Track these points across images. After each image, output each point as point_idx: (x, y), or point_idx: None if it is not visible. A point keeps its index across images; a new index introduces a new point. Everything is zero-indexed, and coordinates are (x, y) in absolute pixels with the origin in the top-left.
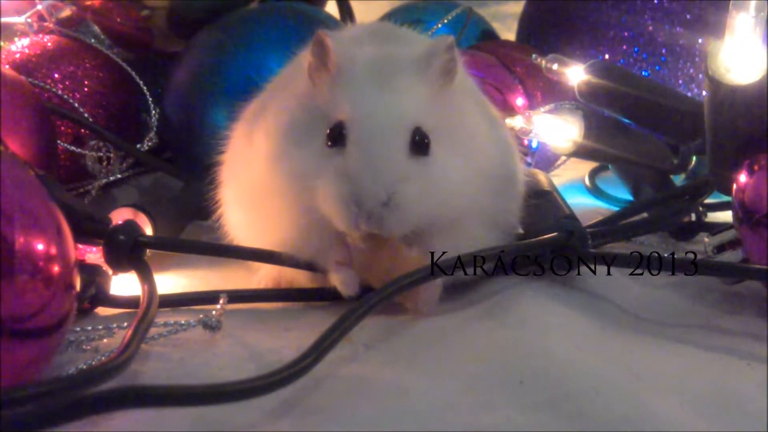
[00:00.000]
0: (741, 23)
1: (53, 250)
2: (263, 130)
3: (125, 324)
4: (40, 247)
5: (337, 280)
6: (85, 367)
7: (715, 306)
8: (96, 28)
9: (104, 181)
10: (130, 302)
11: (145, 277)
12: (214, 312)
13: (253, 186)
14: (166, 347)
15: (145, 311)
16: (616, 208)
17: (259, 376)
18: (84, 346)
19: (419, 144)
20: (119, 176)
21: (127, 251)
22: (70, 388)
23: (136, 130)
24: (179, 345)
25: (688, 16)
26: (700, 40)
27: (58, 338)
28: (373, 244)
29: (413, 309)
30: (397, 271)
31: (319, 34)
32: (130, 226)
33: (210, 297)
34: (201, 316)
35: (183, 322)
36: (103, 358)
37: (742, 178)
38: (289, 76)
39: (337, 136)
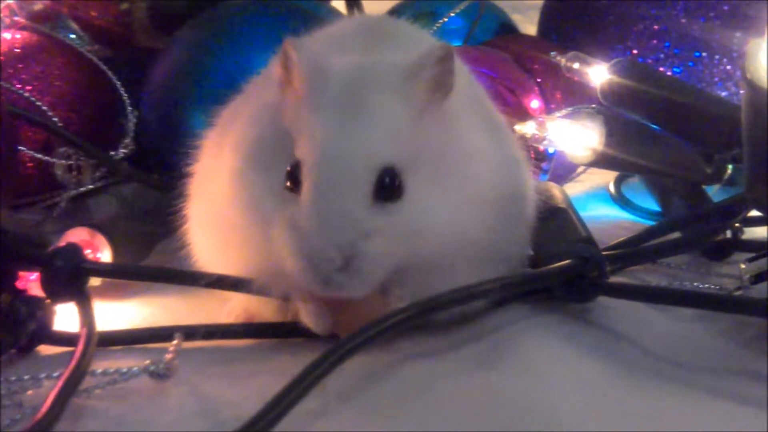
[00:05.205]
0: None
1: None
2: (231, 142)
3: (56, 373)
4: None
5: (307, 319)
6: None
7: (752, 345)
8: (74, 24)
9: (74, 192)
10: (75, 339)
11: (85, 312)
12: (167, 355)
13: (219, 205)
14: (104, 401)
15: (78, 363)
16: (644, 221)
17: None
18: (5, 401)
19: (389, 187)
20: (91, 187)
21: (66, 279)
22: None
23: (114, 136)
24: (122, 396)
25: (725, 7)
26: (738, 34)
27: None
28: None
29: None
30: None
31: (286, 44)
32: (71, 251)
33: (165, 334)
34: (147, 362)
35: (125, 369)
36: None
37: None
38: (264, 80)
39: (294, 179)
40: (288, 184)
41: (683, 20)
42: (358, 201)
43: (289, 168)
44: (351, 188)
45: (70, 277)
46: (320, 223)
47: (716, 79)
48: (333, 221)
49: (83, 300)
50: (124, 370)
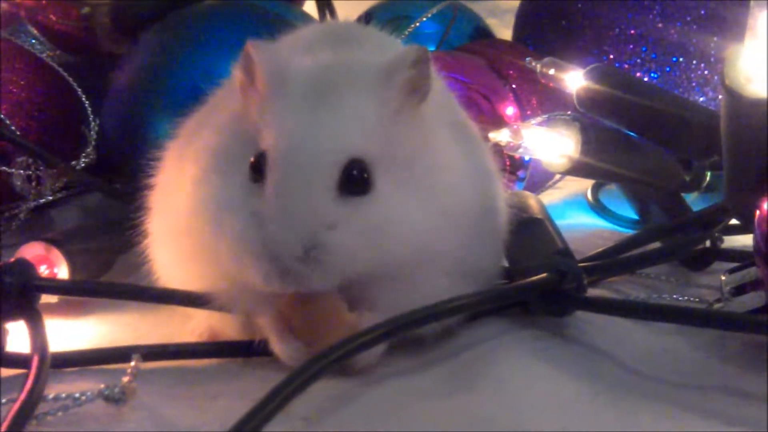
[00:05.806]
0: (764, 25)
1: None
2: (193, 153)
3: (4, 400)
4: None
5: (279, 351)
6: None
7: (734, 360)
8: (33, 29)
9: (33, 204)
10: (28, 361)
11: (36, 333)
12: (124, 377)
13: (181, 217)
14: (56, 428)
15: (30, 391)
16: (622, 229)
17: None
18: None
19: (356, 180)
20: (51, 198)
21: (15, 297)
22: None
23: (77, 145)
24: (76, 422)
25: (702, 12)
26: (715, 39)
27: None
28: (299, 300)
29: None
30: (335, 329)
31: (247, 45)
32: (21, 267)
33: (123, 354)
34: (102, 386)
35: (78, 394)
36: None
37: (766, 205)
38: (228, 91)
39: (258, 170)
40: (253, 177)
41: (660, 25)
42: (322, 192)
43: (252, 159)
44: (316, 178)
45: (20, 295)
46: (282, 213)
47: (694, 84)
48: (295, 211)
49: (34, 319)
50: (77, 395)
